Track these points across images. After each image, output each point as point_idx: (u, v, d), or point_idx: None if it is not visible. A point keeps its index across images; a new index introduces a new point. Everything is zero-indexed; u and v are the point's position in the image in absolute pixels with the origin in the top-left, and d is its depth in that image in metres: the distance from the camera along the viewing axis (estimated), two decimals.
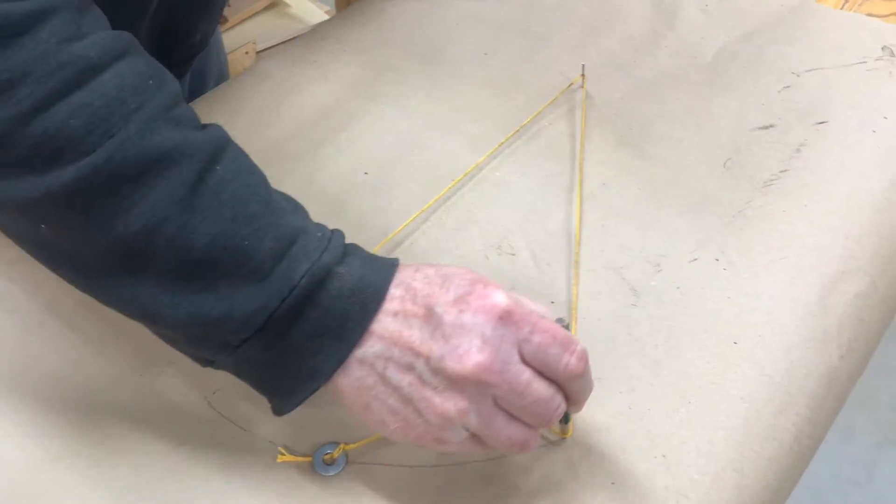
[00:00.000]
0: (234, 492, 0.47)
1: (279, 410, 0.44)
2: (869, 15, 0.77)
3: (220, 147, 0.43)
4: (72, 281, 0.44)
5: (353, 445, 0.48)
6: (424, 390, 0.41)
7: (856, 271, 0.58)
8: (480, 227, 0.60)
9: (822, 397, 0.53)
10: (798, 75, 0.70)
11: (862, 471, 1.38)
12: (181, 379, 0.52)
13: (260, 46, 1.75)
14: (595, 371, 0.51)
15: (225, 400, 0.51)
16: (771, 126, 0.66)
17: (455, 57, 0.75)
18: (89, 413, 0.50)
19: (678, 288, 0.55)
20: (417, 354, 0.41)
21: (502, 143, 0.66)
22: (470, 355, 0.40)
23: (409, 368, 0.41)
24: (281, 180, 0.63)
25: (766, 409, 0.50)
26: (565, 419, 0.47)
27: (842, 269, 0.57)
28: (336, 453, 0.48)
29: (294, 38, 1.82)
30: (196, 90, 0.80)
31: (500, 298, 0.41)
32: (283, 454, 0.48)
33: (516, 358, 0.41)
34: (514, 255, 0.58)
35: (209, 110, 0.70)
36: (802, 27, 0.75)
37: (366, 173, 0.65)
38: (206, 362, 0.44)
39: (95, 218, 0.40)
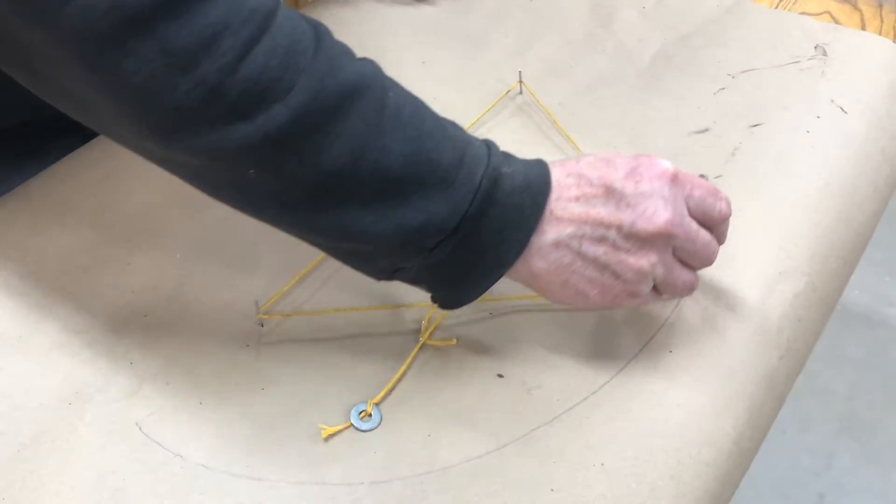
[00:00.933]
0: None
1: (458, 302, 0.50)
2: (802, 13, 0.78)
3: (384, 75, 0.47)
4: (273, 219, 0.47)
5: (377, 398, 0.51)
6: (619, 254, 0.48)
7: (793, 272, 0.58)
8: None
9: (761, 399, 0.53)
10: (733, 77, 0.70)
11: (820, 460, 1.39)
12: (111, 406, 0.51)
13: None
14: (534, 377, 0.51)
15: (157, 425, 0.50)
16: (706, 130, 0.66)
17: (393, 64, 0.74)
18: (15, 447, 0.49)
19: None
20: (608, 226, 0.47)
21: None
22: (658, 215, 0.47)
23: (602, 240, 0.47)
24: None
25: (704, 415, 0.50)
26: None
27: (779, 270, 0.58)
28: (369, 408, 0.50)
29: None
30: None
31: (667, 164, 0.49)
32: (324, 428, 0.49)
33: (686, 211, 0.49)
34: None
35: None
36: (737, 27, 0.76)
37: None
38: (388, 273, 0.48)
39: (305, 154, 0.43)
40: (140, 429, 0.50)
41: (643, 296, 0.49)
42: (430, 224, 0.45)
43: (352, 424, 0.50)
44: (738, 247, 0.58)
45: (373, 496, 0.46)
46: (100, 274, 0.58)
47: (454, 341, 0.54)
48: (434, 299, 0.50)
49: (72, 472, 0.48)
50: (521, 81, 0.71)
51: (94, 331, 0.54)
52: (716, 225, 0.51)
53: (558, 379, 0.51)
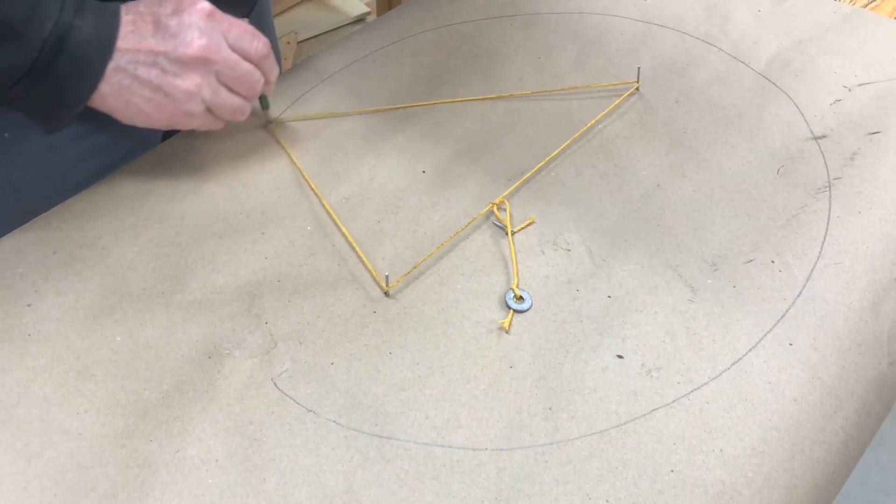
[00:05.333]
0: (301, 469, 0.48)
1: (51, 129, 0.60)
2: None
3: None
4: None
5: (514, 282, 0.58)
6: (167, 77, 0.59)
7: None
8: (536, 224, 0.62)
9: (870, 402, 0.54)
10: (850, 90, 0.70)
11: (891, 480, 1.37)
12: (248, 362, 0.53)
13: (301, 36, 1.77)
14: (653, 361, 0.53)
15: (290, 382, 0.52)
16: (823, 136, 0.67)
17: (509, 59, 0.76)
18: (160, 394, 0.52)
19: (734, 287, 0.56)
20: (157, 53, 0.58)
21: (562, 148, 0.67)
22: (194, 42, 0.58)
23: (154, 65, 0.58)
24: (343, 176, 0.66)
25: (818, 412, 0.51)
26: (265, 104, 0.69)
27: (894, 277, 0.58)
28: (516, 291, 0.57)
29: (335, 28, 1.85)
30: None
31: (205, 3, 0.59)
32: (501, 321, 0.55)
33: (225, 44, 0.60)
34: (569, 250, 0.60)
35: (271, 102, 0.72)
36: (855, 36, 0.76)
37: (423, 171, 0.66)
38: (6, 103, 0.57)
39: None
40: (275, 384, 0.52)
41: (197, 114, 0.60)
42: (2, 71, 0.55)
43: (512, 309, 0.56)
44: (858, 250, 0.59)
45: (495, 462, 0.48)
46: (235, 241, 0.61)
47: (533, 217, 0.62)
48: (40, 124, 0.60)
49: (212, 420, 0.50)
50: (637, 80, 0.72)
51: (231, 291, 0.57)
52: (256, 61, 0.61)
53: (677, 363, 0.53)
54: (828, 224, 0.60)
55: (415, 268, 0.59)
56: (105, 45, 0.57)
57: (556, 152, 0.67)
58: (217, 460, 0.49)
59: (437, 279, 0.58)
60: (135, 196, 0.64)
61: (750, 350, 0.53)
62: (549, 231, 0.61)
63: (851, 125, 0.68)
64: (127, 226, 0.62)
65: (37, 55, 0.55)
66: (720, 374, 0.52)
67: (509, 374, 0.53)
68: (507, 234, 0.60)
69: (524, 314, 0.56)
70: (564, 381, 0.52)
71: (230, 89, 0.61)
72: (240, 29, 0.60)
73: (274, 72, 0.64)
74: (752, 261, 0.58)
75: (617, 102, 0.71)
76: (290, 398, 0.52)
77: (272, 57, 0.63)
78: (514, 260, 0.59)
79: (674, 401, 0.51)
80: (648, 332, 0.54)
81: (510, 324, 0.55)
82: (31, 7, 0.55)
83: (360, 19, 1.84)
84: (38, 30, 0.55)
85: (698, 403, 0.50)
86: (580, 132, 0.68)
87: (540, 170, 0.66)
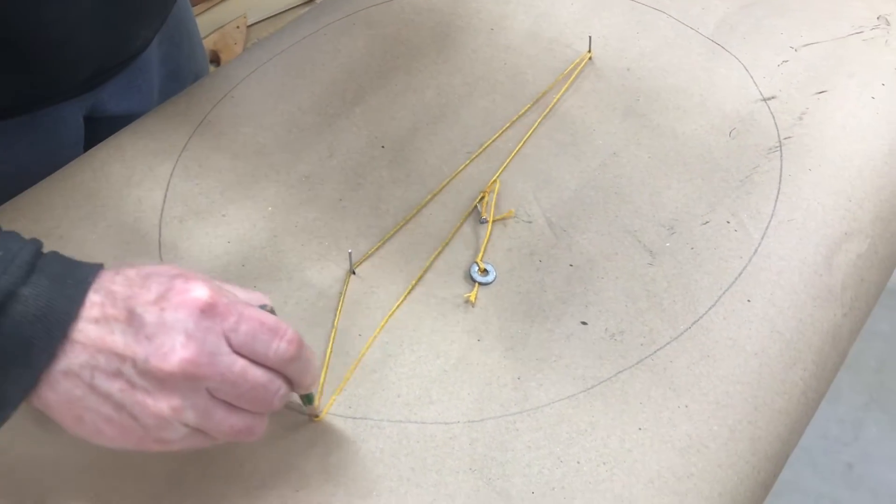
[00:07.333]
0: (276, 453, 0.49)
1: None
2: None
3: None
4: None
5: (480, 256, 0.58)
6: (136, 394, 0.40)
7: (857, 233, 0.60)
8: (498, 197, 0.62)
9: (826, 353, 0.56)
10: (796, 50, 0.72)
11: (849, 430, 1.42)
12: None
13: (251, 20, 1.75)
14: (616, 325, 0.54)
15: None
16: (773, 97, 0.68)
17: (462, 31, 0.76)
18: None
19: (692, 248, 0.58)
20: (123, 359, 0.40)
21: (519, 117, 0.68)
22: (175, 352, 0.40)
23: (118, 374, 0.40)
24: (300, 154, 0.66)
25: (777, 364, 0.53)
26: (308, 400, 0.48)
27: (845, 231, 0.60)
28: (480, 265, 0.57)
29: (285, 11, 1.82)
30: (170, 90, 0.78)
31: (201, 292, 0.41)
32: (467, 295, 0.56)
33: (226, 349, 0.41)
34: (530, 222, 0.60)
35: (221, 85, 0.71)
36: None
37: (382, 147, 0.66)
38: None
39: None
40: None
41: (176, 440, 0.42)
42: None
43: (477, 282, 0.56)
44: (809, 207, 0.60)
45: (468, 433, 0.49)
46: (196, 224, 0.61)
47: (512, 212, 0.61)
48: None
49: None
50: (589, 49, 0.73)
51: None
52: (276, 366, 0.43)
53: (640, 326, 0.54)
54: (780, 183, 0.62)
55: (378, 246, 0.59)
56: (53, 330, 0.40)
57: (507, 125, 0.67)
58: None
59: (403, 257, 0.59)
60: (91, 183, 0.64)
61: (710, 308, 0.55)
62: (510, 204, 0.62)
63: (799, 85, 0.69)
64: (84, 214, 0.61)
65: None
66: (682, 333, 0.53)
67: (477, 347, 0.53)
68: (486, 220, 0.60)
69: (489, 287, 0.57)
70: (531, 351, 0.53)
71: (232, 406, 0.43)
72: (253, 323, 0.42)
73: (307, 372, 0.45)
74: (708, 222, 0.60)
75: (569, 70, 0.71)
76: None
77: (303, 355, 0.44)
78: (486, 243, 0.59)
79: (638, 362, 0.52)
80: (610, 298, 0.55)
81: (476, 297, 0.56)
82: None
83: (309, 0, 1.82)
84: None
85: (662, 363, 0.52)
86: (533, 102, 0.69)
87: (497, 141, 0.66)
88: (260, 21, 1.76)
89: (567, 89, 0.70)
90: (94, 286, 0.42)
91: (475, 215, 0.61)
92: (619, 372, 0.52)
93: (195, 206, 0.62)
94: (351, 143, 0.66)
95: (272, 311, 0.44)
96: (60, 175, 0.64)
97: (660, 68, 0.72)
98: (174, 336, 0.40)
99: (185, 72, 0.82)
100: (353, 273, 0.57)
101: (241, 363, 0.42)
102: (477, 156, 0.65)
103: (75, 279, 0.41)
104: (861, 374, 1.48)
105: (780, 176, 0.62)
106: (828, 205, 0.61)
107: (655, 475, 0.47)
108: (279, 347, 0.42)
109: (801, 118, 0.66)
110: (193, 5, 1.68)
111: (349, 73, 0.72)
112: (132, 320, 0.41)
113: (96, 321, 0.41)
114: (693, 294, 0.55)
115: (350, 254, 0.57)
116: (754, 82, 0.70)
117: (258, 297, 0.44)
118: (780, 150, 0.64)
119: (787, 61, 0.71)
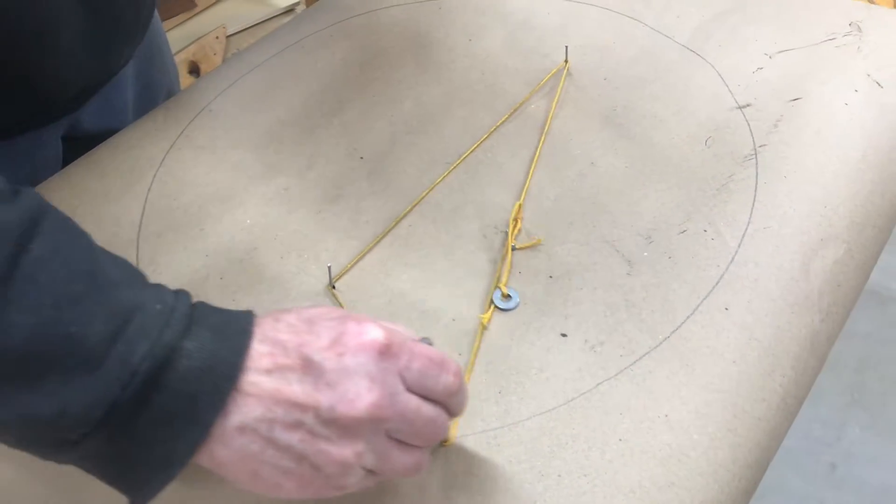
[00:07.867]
0: None
1: (138, 501, 0.39)
2: None
3: (34, 220, 0.38)
4: None
5: (503, 281, 0.57)
6: (318, 443, 0.39)
7: (833, 238, 0.61)
8: (476, 208, 0.62)
9: (804, 359, 0.56)
10: (770, 57, 0.72)
11: (831, 431, 1.43)
12: None
13: (230, 30, 1.75)
14: (596, 336, 0.54)
15: None
16: (748, 105, 0.69)
17: (440, 42, 0.77)
18: None
19: (670, 258, 0.58)
20: (304, 408, 0.39)
21: (497, 126, 0.68)
22: (361, 398, 0.39)
23: (298, 425, 0.39)
24: (278, 166, 0.66)
25: (756, 372, 0.53)
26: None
27: (821, 237, 0.61)
28: (504, 290, 0.56)
29: (265, 20, 1.83)
30: (144, 105, 0.78)
31: (376, 333, 0.41)
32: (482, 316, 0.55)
33: (402, 388, 0.41)
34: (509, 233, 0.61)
35: (200, 98, 0.71)
36: (773, 5, 0.78)
37: (361, 158, 0.66)
38: (55, 458, 0.39)
39: None
40: None
41: (353, 485, 0.42)
42: (64, 414, 0.36)
43: (497, 306, 0.55)
44: (785, 214, 0.61)
45: (448, 451, 0.49)
46: (174, 238, 0.60)
47: (540, 240, 0.59)
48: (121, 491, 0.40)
49: None
50: (566, 59, 0.73)
51: None
52: (443, 399, 0.43)
53: (619, 336, 0.54)
54: (756, 190, 0.62)
55: (357, 259, 0.59)
56: (220, 384, 0.38)
57: (486, 135, 0.67)
58: None
59: (383, 270, 0.59)
60: (69, 200, 0.63)
61: (688, 317, 0.55)
62: (489, 215, 0.62)
63: (774, 92, 0.70)
64: None
65: (119, 393, 0.37)
66: (660, 343, 0.54)
67: (458, 361, 0.53)
68: (509, 248, 0.59)
69: (469, 300, 0.56)
70: (512, 365, 0.53)
71: (403, 443, 0.42)
72: (423, 360, 0.42)
73: (464, 403, 0.45)
74: (685, 231, 0.60)
75: (546, 80, 0.72)
76: None
77: (465, 388, 0.44)
78: (508, 269, 0.58)
79: (618, 373, 0.52)
80: (589, 309, 0.56)
81: (489, 320, 0.55)
82: (118, 321, 0.37)
83: (289, 10, 1.82)
84: (125, 355, 0.37)
85: (641, 373, 0.52)
86: (511, 112, 0.69)
87: (475, 152, 0.66)
88: (239, 31, 1.76)
89: (545, 99, 0.70)
90: (258, 336, 0.40)
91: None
92: (599, 384, 0.52)
93: (173, 220, 0.62)
94: (330, 154, 0.66)
95: (431, 344, 0.44)
96: (37, 191, 0.64)
97: (636, 77, 0.72)
98: (357, 381, 0.40)
99: (157, 86, 0.82)
100: (333, 287, 0.57)
101: (415, 401, 0.41)
102: (456, 166, 0.65)
103: (234, 329, 0.40)
104: (842, 374, 1.49)
105: (756, 184, 0.63)
106: (803, 211, 0.61)
107: (636, 485, 0.47)
108: (447, 381, 0.42)
109: (776, 125, 0.67)
110: (173, 16, 1.68)
111: (328, 84, 0.72)
112: (309, 368, 0.40)
113: (268, 372, 0.39)
114: (671, 303, 0.56)
115: (329, 268, 0.57)
116: (729, 90, 0.70)
117: (412, 333, 0.44)
118: (756, 157, 0.65)
119: (761, 68, 0.72)
